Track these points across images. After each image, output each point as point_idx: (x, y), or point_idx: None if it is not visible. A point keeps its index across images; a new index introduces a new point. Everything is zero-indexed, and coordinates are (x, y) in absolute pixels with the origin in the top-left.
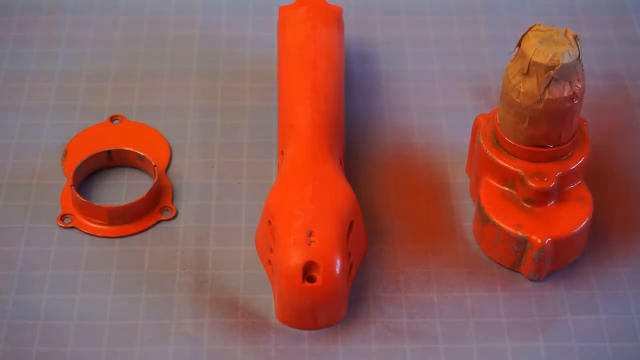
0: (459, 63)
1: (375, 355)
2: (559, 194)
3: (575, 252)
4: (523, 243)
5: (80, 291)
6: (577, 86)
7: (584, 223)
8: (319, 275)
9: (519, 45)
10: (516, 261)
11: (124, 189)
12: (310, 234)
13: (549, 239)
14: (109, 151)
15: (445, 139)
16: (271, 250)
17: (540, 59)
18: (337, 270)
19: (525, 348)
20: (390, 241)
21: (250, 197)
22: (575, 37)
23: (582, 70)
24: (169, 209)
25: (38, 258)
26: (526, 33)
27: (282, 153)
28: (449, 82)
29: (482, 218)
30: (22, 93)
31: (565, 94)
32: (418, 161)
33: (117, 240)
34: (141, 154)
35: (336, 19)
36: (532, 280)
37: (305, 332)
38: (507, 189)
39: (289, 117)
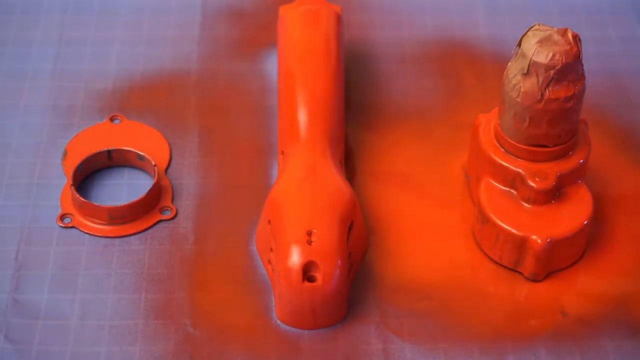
0: (459, 63)
1: (375, 355)
2: (559, 193)
3: (576, 252)
4: (523, 243)
5: (80, 291)
6: (577, 86)
7: (584, 223)
8: (319, 275)
9: (519, 45)
10: (516, 261)
11: (124, 189)
12: (310, 234)
13: (549, 239)
14: (109, 151)
15: (446, 139)
16: (271, 250)
17: (540, 58)
18: (337, 270)
19: (526, 348)
20: (390, 241)
21: (250, 197)
22: (575, 37)
23: (582, 70)
24: (169, 208)
25: (38, 258)
26: (526, 33)
27: (282, 153)
28: (448, 82)
29: (482, 218)
30: (22, 93)
31: (565, 94)
32: (418, 161)
33: (117, 240)
34: (141, 153)
35: (336, 18)
36: (532, 280)
37: (305, 332)
38: (507, 188)
39: (289, 117)
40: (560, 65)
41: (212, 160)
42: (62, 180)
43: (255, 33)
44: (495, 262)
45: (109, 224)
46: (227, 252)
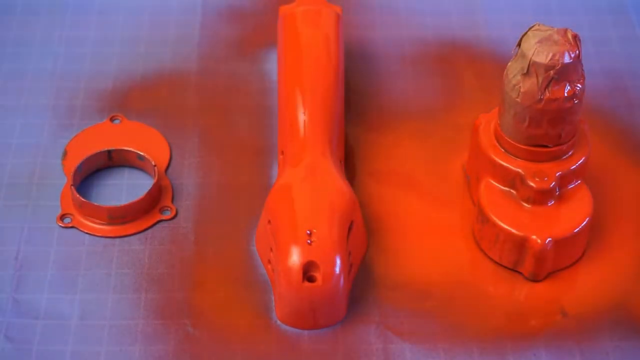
0: (459, 63)
1: (375, 355)
2: (559, 193)
3: (576, 252)
4: (523, 243)
5: (80, 291)
6: (577, 86)
7: (584, 223)
8: (319, 275)
9: (519, 45)
10: (516, 261)
11: (124, 189)
12: (310, 234)
13: (549, 239)
14: (109, 151)
15: (446, 139)
16: (271, 250)
17: (540, 58)
18: (337, 270)
19: (525, 348)
20: (390, 241)
21: (250, 197)
22: (575, 37)
23: (582, 70)
24: (169, 208)
25: (38, 258)
26: (526, 33)
27: (282, 153)
28: (448, 82)
29: (482, 218)
30: (22, 93)
31: (565, 94)
32: (418, 161)
33: (117, 240)
34: (141, 153)
35: (336, 18)
36: (532, 280)
37: (305, 332)
38: (507, 188)
39: (289, 117)
40: (560, 66)
41: (212, 160)
42: (62, 180)
43: (255, 33)
44: (495, 262)
45: (109, 224)
46: (227, 252)
